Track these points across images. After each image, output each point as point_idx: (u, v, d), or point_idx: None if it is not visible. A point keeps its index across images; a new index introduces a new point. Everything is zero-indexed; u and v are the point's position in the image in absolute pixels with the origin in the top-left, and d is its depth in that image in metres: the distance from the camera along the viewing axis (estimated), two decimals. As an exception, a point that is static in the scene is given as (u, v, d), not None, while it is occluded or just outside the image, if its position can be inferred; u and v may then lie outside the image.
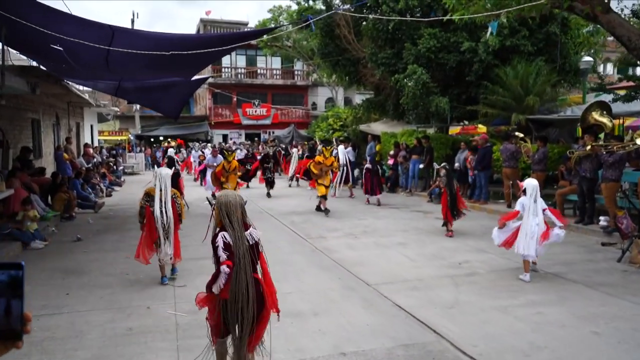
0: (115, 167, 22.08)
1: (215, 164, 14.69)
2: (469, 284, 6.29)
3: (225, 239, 3.37)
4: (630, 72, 23.30)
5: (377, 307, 5.48)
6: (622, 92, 10.18)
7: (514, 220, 6.68)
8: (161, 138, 34.74)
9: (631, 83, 10.49)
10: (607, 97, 10.82)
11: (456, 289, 6.10)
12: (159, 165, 14.85)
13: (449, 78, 15.46)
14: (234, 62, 37.69)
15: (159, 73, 10.85)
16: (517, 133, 11.59)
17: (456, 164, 13.99)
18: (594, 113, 9.58)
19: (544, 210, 6.55)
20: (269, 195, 15.63)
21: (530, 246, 6.33)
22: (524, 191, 6.61)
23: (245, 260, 3.38)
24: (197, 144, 28.79)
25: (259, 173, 16.88)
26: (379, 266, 7.22)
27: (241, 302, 3.36)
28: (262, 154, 18.05)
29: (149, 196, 6.41)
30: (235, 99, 36.94)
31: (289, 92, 39.03)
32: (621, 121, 12.43)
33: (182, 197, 13.26)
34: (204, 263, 7.32)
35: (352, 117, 20.47)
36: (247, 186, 17.36)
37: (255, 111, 37.32)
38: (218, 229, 3.49)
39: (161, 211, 6.22)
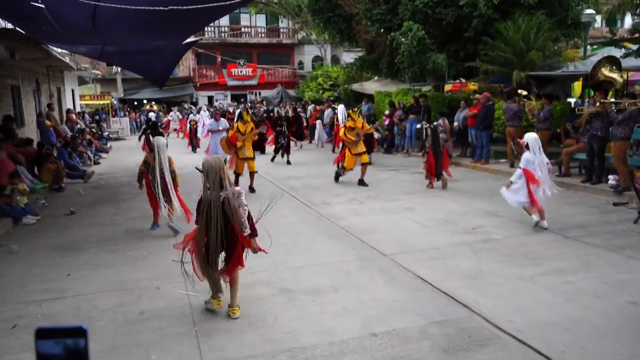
0: (100, 133, 21.38)
1: (219, 128, 13.69)
2: (488, 251, 6.08)
3: (200, 197, 4.32)
4: (619, 24, 22.92)
5: (398, 280, 5.24)
6: (632, 46, 9.81)
7: (517, 178, 6.90)
8: (145, 101, 33.80)
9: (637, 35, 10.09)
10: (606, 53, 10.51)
11: (475, 257, 5.89)
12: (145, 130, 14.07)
13: (446, 34, 14.95)
14: (216, 21, 36.34)
15: (147, 36, 10.20)
16: (520, 91, 11.25)
17: (455, 123, 13.67)
18: (603, 69, 9.25)
19: (547, 163, 6.90)
20: (289, 162, 14.28)
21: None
22: (527, 146, 6.81)
23: (217, 215, 4.17)
24: (192, 107, 27.82)
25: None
26: (390, 233, 6.98)
27: (214, 247, 4.28)
28: (275, 116, 16.58)
29: (147, 164, 7.16)
30: (219, 59, 35.87)
31: (274, 51, 37.99)
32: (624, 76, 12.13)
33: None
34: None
35: (345, 76, 19.89)
36: (262, 152, 15.44)
37: (241, 71, 36.33)
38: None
39: (161, 177, 6.91)
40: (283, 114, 15.31)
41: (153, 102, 31.52)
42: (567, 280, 5.07)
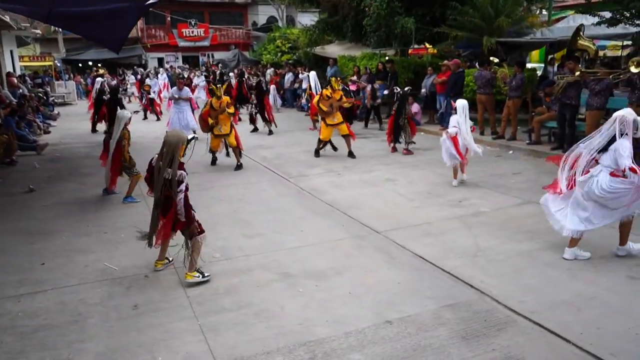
0: (45, 98, 19.98)
1: (183, 97, 12.44)
2: (480, 225, 6.05)
3: (152, 162, 4.71)
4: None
5: (398, 260, 5.12)
6: (605, 14, 9.86)
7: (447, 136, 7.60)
8: (90, 63, 31.85)
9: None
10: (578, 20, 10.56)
11: (470, 232, 5.84)
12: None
13: (414, -3, 14.65)
14: (164, -22, 34.34)
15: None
16: (492, 58, 11.20)
17: (422, 90, 13.58)
18: (579, 38, 9.27)
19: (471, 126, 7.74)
20: (256, 129, 13.71)
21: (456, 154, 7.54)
22: (455, 110, 7.62)
23: (158, 184, 4.54)
24: (142, 70, 26.29)
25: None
26: (377, 209, 6.84)
27: (154, 206, 4.68)
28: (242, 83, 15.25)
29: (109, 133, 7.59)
30: (169, 19, 34.16)
31: (227, 11, 36.56)
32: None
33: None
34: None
35: (307, 39, 19.29)
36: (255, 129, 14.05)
37: (192, 32, 34.84)
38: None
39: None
40: (254, 84, 14.39)
41: (99, 65, 29.69)
42: (564, 255, 5.09)
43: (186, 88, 12.69)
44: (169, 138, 4.51)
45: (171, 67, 31.63)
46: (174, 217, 4.59)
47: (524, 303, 4.15)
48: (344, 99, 10.12)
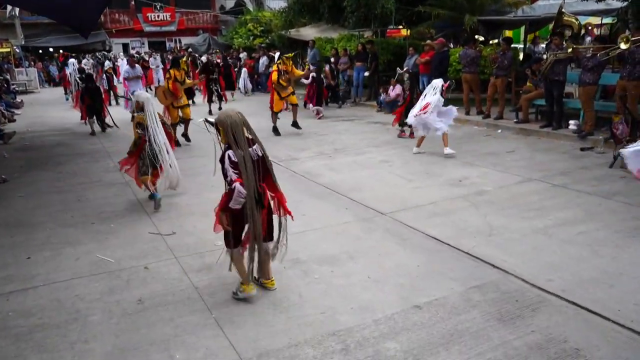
0: (6, 86, 18.94)
1: (138, 74, 13.57)
2: (487, 204, 5.88)
3: (231, 158, 3.49)
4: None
5: (411, 242, 4.90)
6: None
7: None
8: (51, 49, 30.47)
9: None
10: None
11: (478, 211, 5.66)
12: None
13: (392, -24, 14.34)
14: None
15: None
16: (477, 36, 11.04)
17: (405, 69, 13.33)
18: (563, 14, 9.19)
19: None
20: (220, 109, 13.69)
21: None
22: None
23: (250, 175, 3.50)
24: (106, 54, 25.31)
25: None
26: (377, 190, 6.60)
27: (251, 209, 3.54)
28: (204, 63, 15.76)
29: (141, 125, 5.88)
30: (133, 3, 32.94)
31: (193, -6, 35.38)
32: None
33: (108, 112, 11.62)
34: (179, 200, 6.32)
35: (283, 21, 18.78)
36: (193, 102, 14.23)
37: (158, 16, 33.71)
38: (225, 147, 3.58)
39: (154, 139, 5.80)
40: (214, 61, 14.46)
41: (61, 51, 28.43)
42: (580, 231, 4.97)
43: (137, 66, 13.83)
44: (233, 120, 3.52)
45: (137, 52, 30.55)
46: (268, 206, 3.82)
47: (551, 282, 3.98)
48: (296, 71, 10.51)
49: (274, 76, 10.12)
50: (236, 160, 3.48)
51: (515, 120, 10.38)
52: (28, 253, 4.84)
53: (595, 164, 7.43)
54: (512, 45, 14.51)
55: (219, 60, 16.38)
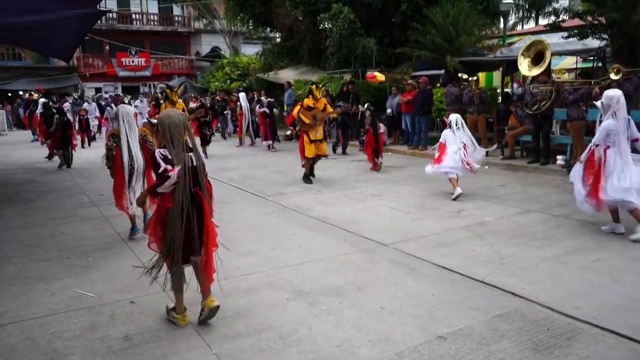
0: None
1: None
2: (491, 234, 5.63)
3: (161, 154, 3.35)
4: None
5: (420, 272, 4.57)
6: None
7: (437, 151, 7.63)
8: (20, 92, 29.82)
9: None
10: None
11: (483, 241, 5.40)
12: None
13: (373, 20, 14.59)
14: (102, 4, 33.08)
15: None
16: (461, 74, 11.15)
17: (388, 110, 13.38)
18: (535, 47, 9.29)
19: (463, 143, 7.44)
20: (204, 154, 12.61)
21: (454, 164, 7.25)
22: (449, 124, 7.55)
23: (185, 177, 3.34)
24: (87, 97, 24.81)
25: None
26: (375, 222, 6.29)
27: (183, 210, 3.35)
28: (197, 105, 15.05)
29: (115, 137, 5.52)
30: (107, 48, 32.80)
31: (169, 40, 35.51)
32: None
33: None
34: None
35: (262, 64, 18.82)
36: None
37: (133, 61, 33.54)
38: (158, 146, 3.48)
39: (130, 154, 5.42)
40: (208, 104, 13.91)
41: (32, 92, 27.81)
42: (594, 258, 4.74)
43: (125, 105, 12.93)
44: (172, 121, 3.35)
45: (110, 96, 30.16)
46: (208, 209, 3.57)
47: (579, 309, 3.69)
48: (329, 108, 9.02)
49: (295, 110, 8.79)
50: (170, 157, 3.33)
51: (501, 156, 10.36)
52: (-6, 288, 4.31)
53: (590, 196, 7.31)
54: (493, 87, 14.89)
55: (194, 105, 16.01)
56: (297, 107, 8.85)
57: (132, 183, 5.47)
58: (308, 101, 8.75)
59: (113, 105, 13.06)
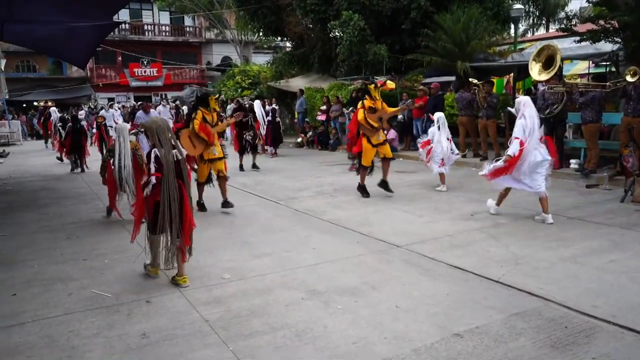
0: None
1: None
2: (506, 235, 5.60)
3: (156, 154, 4.17)
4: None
5: (435, 272, 4.55)
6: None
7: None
8: (35, 103, 30.25)
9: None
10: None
11: (498, 242, 5.37)
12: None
13: (382, 27, 14.64)
14: (116, 16, 33.57)
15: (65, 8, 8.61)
16: (471, 79, 11.14)
17: (399, 116, 13.36)
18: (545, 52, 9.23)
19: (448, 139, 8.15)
20: (255, 166, 11.53)
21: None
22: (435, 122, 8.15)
23: (170, 171, 4.15)
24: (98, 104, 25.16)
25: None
26: (387, 225, 6.29)
27: (169, 201, 4.14)
28: (234, 107, 14.40)
29: (111, 151, 6.59)
30: (120, 59, 33.23)
31: (180, 51, 35.93)
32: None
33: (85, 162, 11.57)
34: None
35: (273, 72, 18.95)
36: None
37: (145, 71, 33.95)
38: (150, 146, 4.29)
39: (120, 165, 6.34)
40: (246, 104, 13.47)
41: (46, 101, 28.21)
42: (610, 259, 4.70)
43: (153, 110, 13.38)
44: (158, 125, 4.27)
45: (123, 106, 30.48)
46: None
47: (597, 308, 3.66)
48: (387, 107, 7.87)
49: (360, 114, 7.64)
50: (159, 156, 4.14)
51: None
52: (13, 290, 4.36)
53: (604, 199, 7.26)
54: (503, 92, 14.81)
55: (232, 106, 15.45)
56: (361, 113, 7.68)
57: (123, 188, 6.45)
58: (368, 102, 7.69)
59: (143, 111, 12.90)
